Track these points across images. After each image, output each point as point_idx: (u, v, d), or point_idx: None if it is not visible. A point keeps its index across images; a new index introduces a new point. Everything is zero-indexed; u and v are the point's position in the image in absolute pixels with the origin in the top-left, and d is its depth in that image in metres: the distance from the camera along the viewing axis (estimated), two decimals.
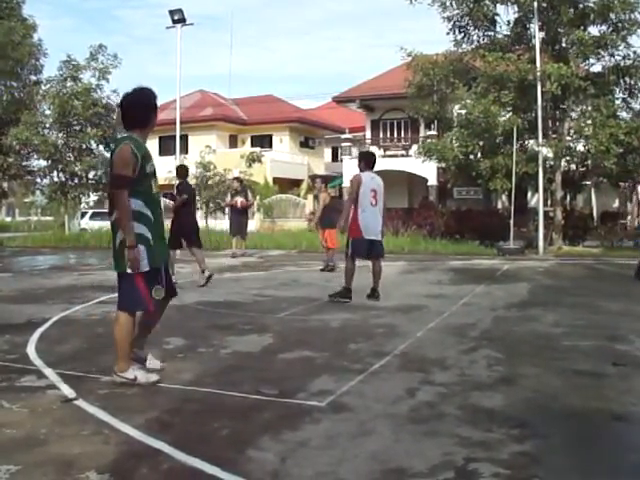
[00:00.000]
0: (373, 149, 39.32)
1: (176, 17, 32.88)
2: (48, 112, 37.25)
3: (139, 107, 6.53)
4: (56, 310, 11.05)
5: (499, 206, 33.81)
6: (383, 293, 12.31)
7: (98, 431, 5.02)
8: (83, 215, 42.82)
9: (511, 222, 25.03)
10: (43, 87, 39.55)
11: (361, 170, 12.38)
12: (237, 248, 24.02)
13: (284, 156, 50.55)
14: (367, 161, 12.46)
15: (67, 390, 6.21)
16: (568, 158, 27.12)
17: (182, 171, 15.03)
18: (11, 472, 4.32)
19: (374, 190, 12.09)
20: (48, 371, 6.94)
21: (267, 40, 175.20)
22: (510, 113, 26.98)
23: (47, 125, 36.82)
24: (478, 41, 28.78)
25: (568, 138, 26.83)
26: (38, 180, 39.22)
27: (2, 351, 8.00)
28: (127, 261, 6.14)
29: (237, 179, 25.18)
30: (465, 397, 5.94)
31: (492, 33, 28.74)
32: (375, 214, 12.10)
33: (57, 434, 5.03)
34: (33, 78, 43.93)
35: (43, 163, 37.62)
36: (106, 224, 35.93)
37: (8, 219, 70.93)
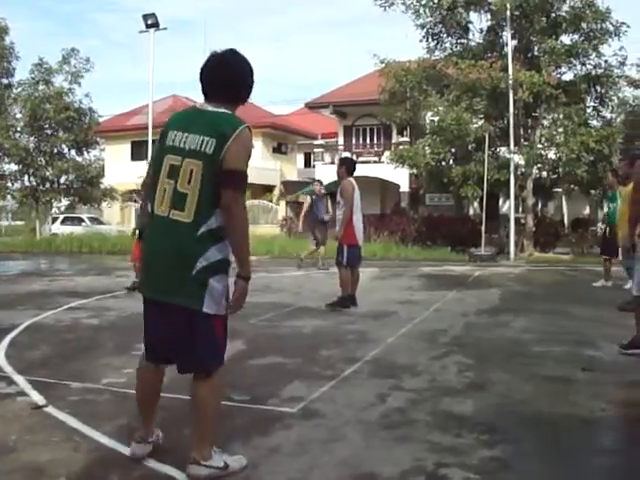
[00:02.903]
0: (346, 155, 39.48)
1: (149, 21, 32.81)
2: (19, 115, 37.32)
3: (248, 77, 4.61)
4: (26, 316, 10.97)
5: (471, 213, 33.93)
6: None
7: (68, 438, 5.01)
8: (54, 220, 42.60)
9: (482, 228, 25.16)
10: (14, 90, 39.49)
11: (340, 176, 12.23)
12: (314, 258, 20.93)
13: (256, 162, 50.38)
14: (348, 167, 12.31)
15: (37, 397, 6.17)
16: (539, 165, 27.28)
17: None
18: None
19: (359, 196, 12.00)
20: (18, 377, 6.91)
21: (241, 45, 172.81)
22: (482, 120, 27.13)
23: (18, 129, 36.85)
24: (451, 48, 28.94)
25: (539, 146, 26.98)
26: (9, 184, 39.02)
27: None
28: (222, 297, 4.26)
29: (320, 182, 21.60)
30: (436, 403, 5.98)
31: (465, 41, 28.91)
32: (361, 220, 12.07)
33: (27, 441, 5.01)
34: (4, 81, 43.68)
35: (14, 167, 37.54)
36: (76, 229, 36.10)
37: None
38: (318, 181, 21.40)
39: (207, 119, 4.29)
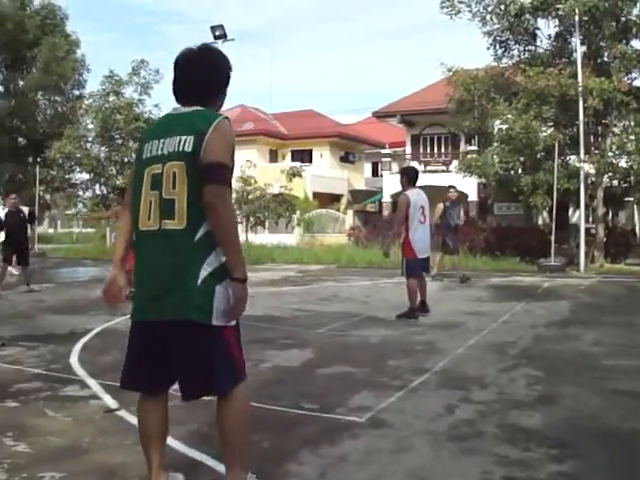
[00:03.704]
0: (413, 164, 39.27)
1: (217, 33, 33.20)
2: (91, 126, 37.91)
3: (224, 76, 4.28)
4: (98, 321, 11.24)
5: (540, 222, 33.53)
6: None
7: (140, 441, 5.10)
8: None
9: (552, 239, 24.85)
10: (86, 101, 40.24)
11: (403, 186, 12.34)
12: (452, 266, 20.61)
13: (324, 171, 50.57)
14: (409, 177, 12.31)
15: (109, 400, 6.33)
16: (610, 174, 26.79)
17: None
18: (56, 479, 4.44)
19: (422, 207, 12.04)
20: (91, 381, 7.09)
21: (307, 55, 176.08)
22: (551, 128, 26.77)
23: (90, 139, 37.43)
24: (519, 56, 28.58)
25: (610, 154, 26.50)
26: (80, 193, 39.71)
27: (46, 361, 8.21)
28: (222, 304, 3.80)
29: (454, 188, 21.13)
30: (504, 415, 5.95)
31: (533, 47, 28.52)
32: (425, 231, 12.14)
33: (100, 443, 5.14)
34: (76, 93, 44.76)
35: (85, 176, 38.22)
36: None
37: (50, 231, 71.68)
38: (452, 187, 20.84)
39: (182, 119, 3.97)
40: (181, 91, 4.15)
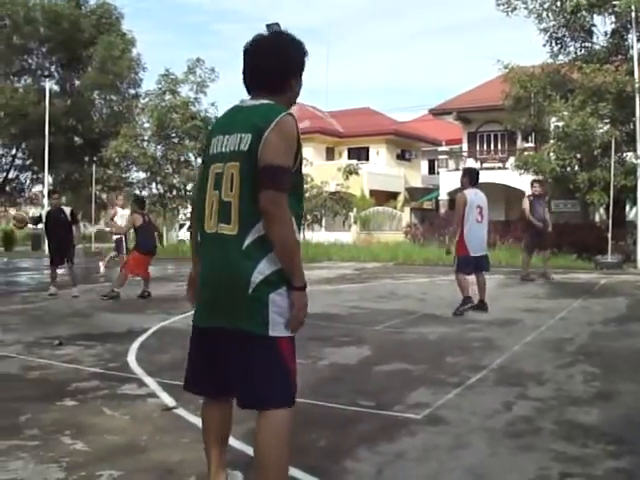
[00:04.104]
0: (470, 162, 39.29)
1: (273, 31, 33.20)
2: (147, 125, 38.20)
3: (292, 61, 3.88)
4: (155, 320, 11.38)
5: (597, 219, 33.21)
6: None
7: (198, 439, 5.11)
8: (181, 227, 43.54)
9: (609, 236, 24.63)
10: (142, 100, 40.79)
11: (463, 186, 12.64)
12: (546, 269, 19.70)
13: (381, 168, 50.54)
14: (471, 177, 12.61)
15: (167, 399, 6.40)
16: None
17: None
18: (114, 477, 4.49)
19: (479, 206, 12.29)
20: (148, 379, 7.17)
21: (363, 53, 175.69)
22: (608, 125, 26.54)
23: (146, 138, 37.72)
24: (575, 52, 28.37)
25: None
26: (137, 192, 40.05)
27: (104, 359, 8.30)
28: (278, 314, 3.58)
29: (540, 182, 20.35)
30: (561, 412, 5.94)
31: (589, 44, 28.29)
32: (481, 230, 12.37)
33: (158, 441, 5.20)
34: (132, 92, 45.41)
35: (142, 175, 38.58)
36: None
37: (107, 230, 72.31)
38: (538, 181, 20.30)
39: (246, 114, 3.66)
40: (249, 81, 3.84)
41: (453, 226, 12.61)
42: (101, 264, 22.89)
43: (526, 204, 18.72)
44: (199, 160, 36.51)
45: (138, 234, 15.73)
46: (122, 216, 20.90)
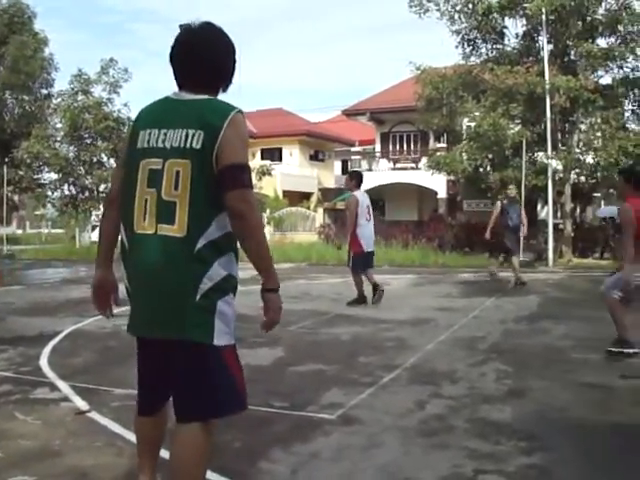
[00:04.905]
0: (383, 162, 39.55)
1: None
2: (59, 125, 37.72)
3: (231, 56, 3.76)
4: (68, 323, 11.17)
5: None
6: (393, 306, 12.85)
7: (111, 443, 5.09)
8: (94, 228, 42.95)
9: (521, 235, 24.95)
10: (54, 101, 40.24)
11: (350, 189, 13.98)
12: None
13: (294, 169, 50.62)
14: (358, 180, 13.85)
15: (80, 402, 6.29)
16: (577, 170, 27.05)
17: None
18: None
19: (368, 206, 13.64)
20: (61, 383, 7.04)
21: (277, 53, 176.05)
22: (519, 126, 27.01)
23: (58, 138, 37.16)
24: (487, 54, 28.81)
25: (577, 150, 26.79)
26: (49, 193, 39.49)
27: (16, 363, 8.13)
28: (232, 323, 3.52)
29: (514, 186, 19.91)
30: (474, 410, 5.99)
31: (501, 46, 28.76)
32: (370, 228, 13.60)
33: (71, 445, 5.11)
34: (44, 92, 44.68)
35: (54, 176, 37.92)
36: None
37: (19, 232, 71.15)
38: (513, 185, 19.84)
39: (189, 108, 3.46)
40: (185, 73, 3.61)
41: (346, 226, 13.85)
42: None
43: (497, 207, 18.31)
44: (112, 161, 36.19)
45: None
46: None
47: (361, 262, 13.36)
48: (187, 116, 3.42)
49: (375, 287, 13.45)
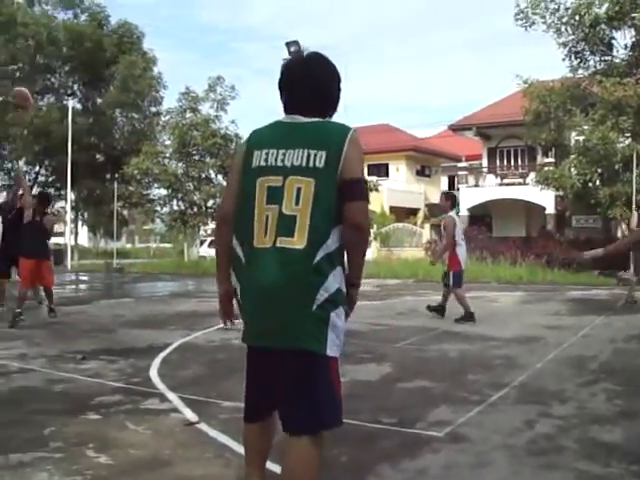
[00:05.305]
0: (490, 177, 39.17)
1: (292, 49, 33.14)
2: (168, 142, 38.47)
3: (337, 83, 3.96)
4: (177, 336, 11.40)
5: (619, 235, 33.08)
6: (501, 323, 12.89)
7: (220, 454, 5.17)
8: (202, 243, 43.68)
9: (631, 251, 24.47)
10: (163, 118, 41.10)
11: (445, 209, 14.25)
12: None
13: (400, 185, 50.61)
14: (453, 201, 14.33)
15: (189, 414, 6.41)
16: None
17: None
18: None
19: (461, 227, 14.24)
20: (171, 395, 7.18)
21: (382, 69, 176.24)
22: (629, 139, 26.50)
23: (167, 155, 37.89)
24: (595, 66, 28.37)
25: None
26: (158, 208, 40.27)
27: (126, 374, 8.34)
28: (335, 334, 3.52)
29: None
30: (584, 430, 5.90)
31: (609, 58, 28.28)
32: (465, 247, 13.98)
33: (180, 456, 5.21)
34: (153, 110, 45.70)
35: (163, 192, 38.72)
36: None
37: (128, 246, 72.76)
38: None
39: (307, 130, 3.63)
40: (297, 101, 3.77)
41: (442, 245, 14.26)
42: None
43: (635, 218, 17.72)
44: (220, 177, 36.71)
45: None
46: None
47: (460, 279, 13.54)
48: (306, 137, 3.58)
49: (444, 306, 13.93)
